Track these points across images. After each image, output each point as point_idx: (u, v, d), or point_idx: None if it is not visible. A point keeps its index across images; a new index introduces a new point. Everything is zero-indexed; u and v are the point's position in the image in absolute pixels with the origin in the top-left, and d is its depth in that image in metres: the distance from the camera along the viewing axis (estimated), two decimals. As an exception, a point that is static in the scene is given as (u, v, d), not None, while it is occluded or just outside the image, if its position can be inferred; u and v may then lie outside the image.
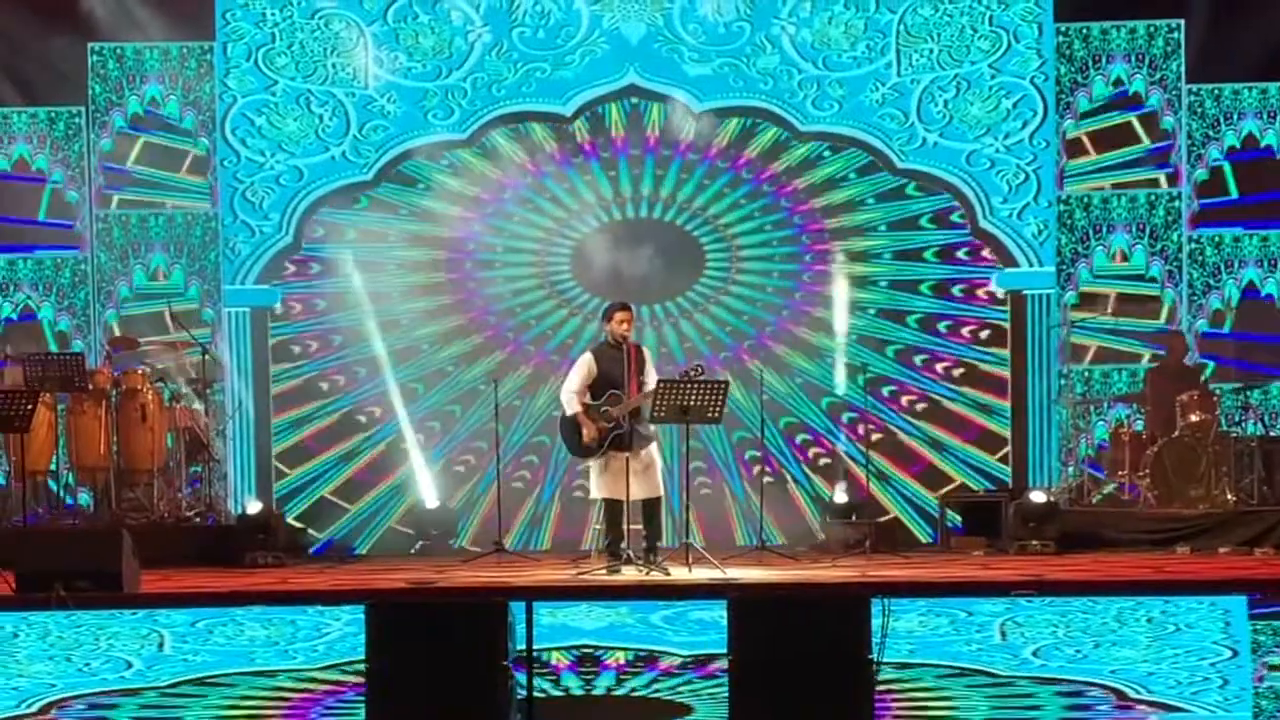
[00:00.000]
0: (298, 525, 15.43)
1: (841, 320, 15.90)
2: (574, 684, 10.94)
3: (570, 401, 13.17)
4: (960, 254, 16.04)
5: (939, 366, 16.05)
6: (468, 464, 15.96)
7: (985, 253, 15.95)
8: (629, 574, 12.77)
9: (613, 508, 13.18)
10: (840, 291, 15.93)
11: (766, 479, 15.22)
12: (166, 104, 16.08)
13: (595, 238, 16.06)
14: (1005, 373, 15.98)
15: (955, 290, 16.06)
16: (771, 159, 16.13)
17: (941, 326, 16.05)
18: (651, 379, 13.10)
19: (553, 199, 16.21)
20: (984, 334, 16.03)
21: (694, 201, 16.18)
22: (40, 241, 16.09)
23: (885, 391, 15.97)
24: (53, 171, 16.11)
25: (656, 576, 12.64)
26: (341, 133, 16.03)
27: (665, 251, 15.99)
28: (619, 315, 13.21)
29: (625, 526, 13.12)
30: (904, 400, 16.02)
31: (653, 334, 15.84)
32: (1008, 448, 15.93)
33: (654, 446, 13.23)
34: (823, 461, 15.95)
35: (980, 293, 16.02)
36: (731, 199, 16.18)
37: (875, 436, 15.74)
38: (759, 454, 15.36)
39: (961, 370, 16.05)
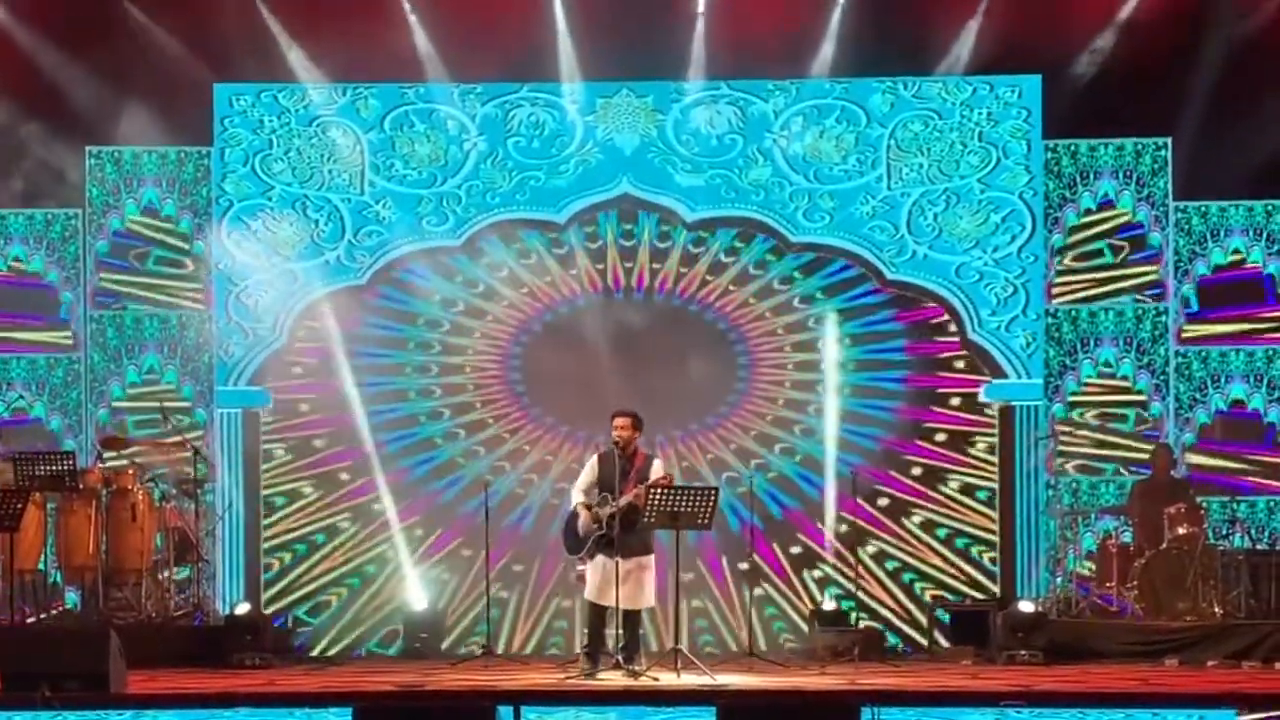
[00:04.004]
0: (285, 628, 15.43)
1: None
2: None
3: (572, 495, 13.36)
4: (957, 364, 16.19)
5: (929, 475, 16.11)
6: (457, 567, 15.96)
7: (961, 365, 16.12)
8: (616, 679, 12.76)
9: (594, 611, 13.19)
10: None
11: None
12: (164, 207, 16.22)
13: (587, 341, 16.17)
14: (994, 482, 16.05)
15: (945, 399, 16.18)
16: (761, 269, 16.29)
17: (933, 436, 16.14)
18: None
19: (546, 305, 16.33)
20: (973, 443, 16.12)
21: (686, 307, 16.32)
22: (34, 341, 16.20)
23: (877, 500, 16.03)
24: (48, 272, 16.22)
25: (645, 682, 12.62)
26: (336, 237, 16.18)
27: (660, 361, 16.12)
28: (615, 421, 13.35)
29: (604, 631, 13.13)
30: (894, 509, 16.07)
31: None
32: (996, 557, 15.98)
33: (649, 558, 13.20)
34: (817, 572, 15.99)
35: (969, 402, 16.14)
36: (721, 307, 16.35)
37: (866, 547, 15.78)
38: (747, 565, 15.38)
39: (951, 479, 16.11)
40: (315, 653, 15.66)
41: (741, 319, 16.32)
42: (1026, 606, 14.71)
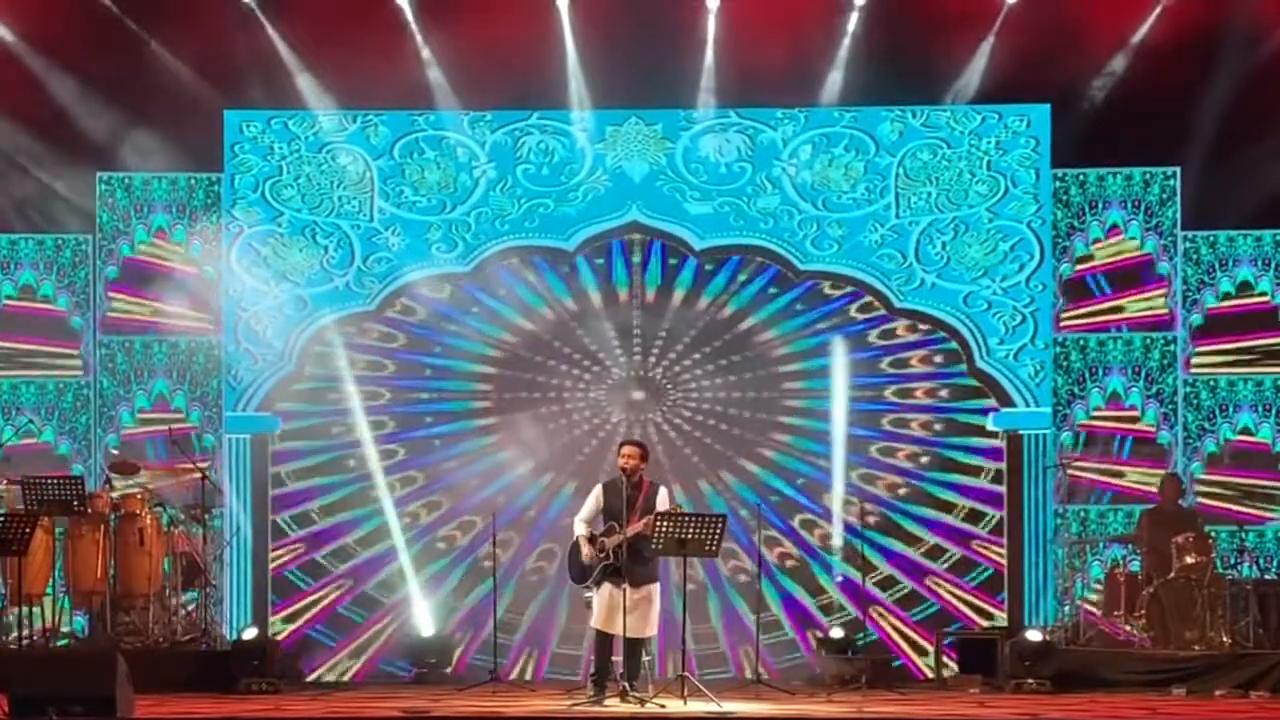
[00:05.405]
0: (292, 652, 15.43)
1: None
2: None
3: (576, 526, 13.32)
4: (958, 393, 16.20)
5: (937, 503, 16.10)
6: (464, 592, 15.96)
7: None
8: (623, 706, 12.73)
9: (601, 639, 13.20)
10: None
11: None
12: (174, 233, 16.27)
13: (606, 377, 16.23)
14: (1001, 511, 16.04)
15: (951, 428, 16.18)
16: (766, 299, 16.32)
17: (939, 463, 16.13)
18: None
19: (558, 333, 16.36)
20: (981, 472, 16.11)
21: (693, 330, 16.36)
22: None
23: (883, 526, 16.02)
24: (58, 297, 16.26)
25: (652, 709, 12.61)
26: (346, 263, 16.22)
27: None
28: (622, 450, 13.35)
29: (612, 659, 13.13)
30: (901, 536, 16.06)
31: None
32: (1004, 585, 15.95)
33: (655, 586, 13.21)
34: (823, 598, 16.01)
35: (976, 430, 16.14)
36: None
37: (872, 573, 15.77)
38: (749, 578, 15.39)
39: (959, 506, 16.10)
40: (322, 678, 15.64)
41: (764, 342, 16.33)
42: (1034, 635, 14.69)
